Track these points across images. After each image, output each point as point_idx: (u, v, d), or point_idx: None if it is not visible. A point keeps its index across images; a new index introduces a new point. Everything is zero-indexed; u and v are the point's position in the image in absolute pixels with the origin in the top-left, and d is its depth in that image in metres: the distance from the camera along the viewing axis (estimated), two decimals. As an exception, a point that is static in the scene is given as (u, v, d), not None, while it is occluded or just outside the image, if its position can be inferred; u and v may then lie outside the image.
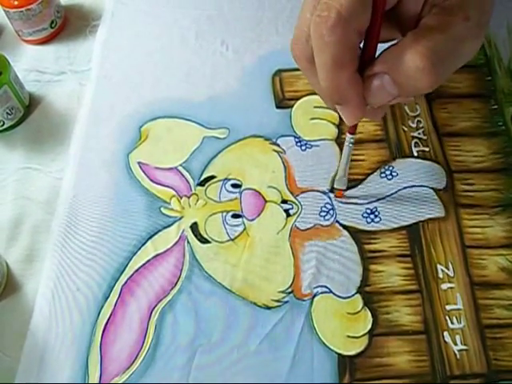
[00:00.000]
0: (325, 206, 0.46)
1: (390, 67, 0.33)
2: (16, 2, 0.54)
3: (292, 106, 0.51)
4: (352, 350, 0.40)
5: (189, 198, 0.47)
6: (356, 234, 0.45)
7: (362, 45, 0.35)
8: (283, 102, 0.52)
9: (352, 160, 0.43)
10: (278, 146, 0.49)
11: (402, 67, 0.32)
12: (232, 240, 0.45)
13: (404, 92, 0.33)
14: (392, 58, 0.33)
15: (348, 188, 0.46)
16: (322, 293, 0.42)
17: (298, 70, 0.51)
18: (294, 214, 0.46)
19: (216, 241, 0.45)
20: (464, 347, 0.40)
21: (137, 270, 0.43)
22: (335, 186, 0.46)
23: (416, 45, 0.32)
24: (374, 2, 0.32)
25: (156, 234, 0.45)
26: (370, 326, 0.41)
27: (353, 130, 0.41)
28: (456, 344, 0.40)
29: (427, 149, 0.48)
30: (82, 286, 0.43)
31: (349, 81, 0.33)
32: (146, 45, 0.56)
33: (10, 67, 0.50)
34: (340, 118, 0.49)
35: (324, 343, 0.40)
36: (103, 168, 0.49)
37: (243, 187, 0.47)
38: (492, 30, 0.54)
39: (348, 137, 0.41)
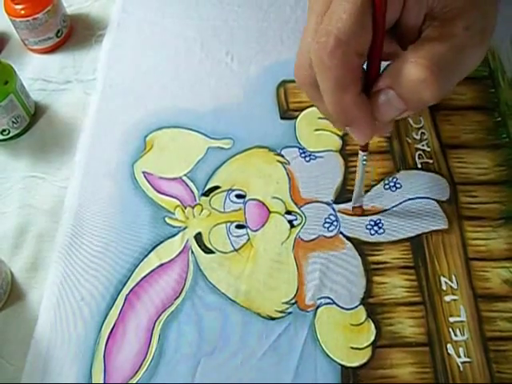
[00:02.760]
0: (329, 218, 0.46)
1: (394, 82, 0.33)
2: (22, 12, 0.54)
3: (296, 117, 0.51)
4: (355, 361, 0.40)
5: (193, 208, 0.47)
6: (360, 245, 0.45)
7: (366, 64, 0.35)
8: (287, 112, 0.52)
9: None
10: (283, 156, 0.49)
11: (405, 81, 0.32)
12: (236, 251, 0.45)
13: (410, 105, 0.33)
14: (395, 73, 0.33)
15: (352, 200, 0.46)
16: (325, 304, 0.42)
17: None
18: (298, 225, 0.46)
19: (220, 251, 0.45)
20: (467, 359, 0.40)
21: (141, 280, 0.44)
22: (353, 205, 0.46)
23: (417, 57, 0.32)
24: (375, 22, 0.32)
25: (160, 243, 0.45)
26: (373, 338, 0.41)
27: (365, 147, 0.41)
28: (459, 356, 0.40)
29: (431, 161, 0.48)
30: (87, 295, 0.43)
31: (354, 102, 0.33)
32: (152, 55, 0.57)
33: (16, 76, 0.50)
34: (344, 129, 0.50)
35: (327, 354, 0.40)
36: (108, 177, 0.49)
37: (247, 198, 0.47)
38: (495, 43, 0.54)
39: (361, 154, 0.41)
